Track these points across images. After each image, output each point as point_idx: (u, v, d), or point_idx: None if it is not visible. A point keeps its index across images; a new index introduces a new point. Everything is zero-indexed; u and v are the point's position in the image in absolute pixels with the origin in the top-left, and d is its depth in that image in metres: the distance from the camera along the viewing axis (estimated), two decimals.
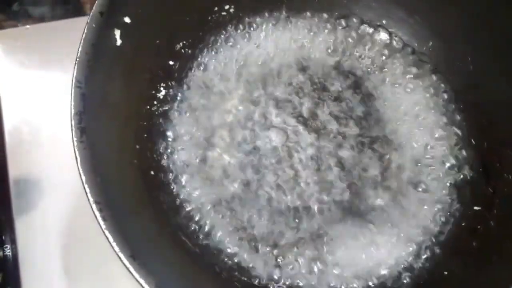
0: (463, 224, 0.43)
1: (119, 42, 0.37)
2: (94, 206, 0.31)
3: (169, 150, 0.45)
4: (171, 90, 0.46)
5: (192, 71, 0.47)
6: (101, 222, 0.31)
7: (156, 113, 0.45)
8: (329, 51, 0.48)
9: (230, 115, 0.46)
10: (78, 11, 0.55)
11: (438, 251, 0.43)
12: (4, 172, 0.47)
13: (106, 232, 0.30)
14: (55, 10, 0.55)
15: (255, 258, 0.42)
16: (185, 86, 0.47)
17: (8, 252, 0.45)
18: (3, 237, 0.45)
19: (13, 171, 0.47)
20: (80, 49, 0.34)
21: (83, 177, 0.32)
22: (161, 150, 0.44)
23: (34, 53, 0.50)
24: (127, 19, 0.38)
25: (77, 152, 0.33)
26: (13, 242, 0.45)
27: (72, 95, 0.34)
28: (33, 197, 0.46)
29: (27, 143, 0.48)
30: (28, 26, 0.51)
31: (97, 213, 0.31)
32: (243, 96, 0.47)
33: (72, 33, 0.49)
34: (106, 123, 0.37)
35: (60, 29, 0.51)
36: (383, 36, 0.49)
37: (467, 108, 0.46)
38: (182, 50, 0.46)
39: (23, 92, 0.49)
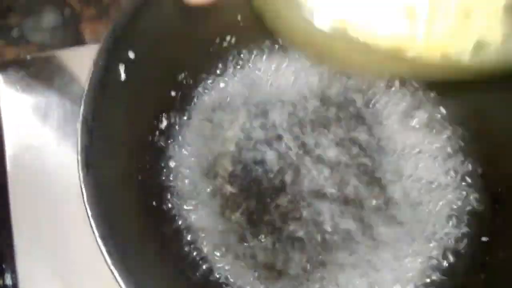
0: (471, 255, 0.44)
1: (123, 76, 0.39)
2: (99, 240, 0.33)
3: (171, 181, 0.47)
4: (172, 120, 0.48)
5: (194, 101, 0.49)
6: (107, 257, 0.32)
7: (158, 143, 0.46)
8: (331, 81, 0.50)
9: (232, 144, 0.48)
10: (76, 40, 0.58)
11: (445, 284, 0.44)
12: (5, 199, 0.48)
13: (112, 268, 0.32)
14: (54, 36, 0.58)
15: None
16: (186, 116, 0.49)
17: (9, 281, 0.46)
18: (3, 266, 0.47)
19: (15, 198, 0.49)
20: (86, 85, 0.37)
21: (89, 212, 0.34)
22: (163, 181, 0.46)
23: (35, 82, 0.53)
24: (131, 54, 0.40)
25: (83, 187, 0.34)
26: (13, 271, 0.46)
27: (79, 130, 0.36)
28: (35, 224, 0.48)
29: (29, 170, 0.50)
30: (28, 56, 0.54)
31: (103, 248, 0.33)
32: (245, 126, 0.49)
33: (73, 63, 0.53)
34: (111, 156, 0.39)
35: (60, 59, 0.53)
36: None
37: (474, 136, 0.47)
38: (184, 81, 0.48)
39: (25, 119, 0.52)
